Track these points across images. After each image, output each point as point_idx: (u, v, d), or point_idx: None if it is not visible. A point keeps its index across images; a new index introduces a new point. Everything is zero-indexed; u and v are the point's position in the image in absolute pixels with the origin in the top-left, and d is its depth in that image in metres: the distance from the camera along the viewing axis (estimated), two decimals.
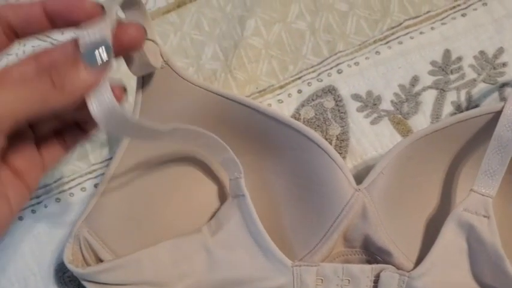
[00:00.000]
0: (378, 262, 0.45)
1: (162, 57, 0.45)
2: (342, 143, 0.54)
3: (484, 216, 0.42)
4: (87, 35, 0.33)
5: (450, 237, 0.43)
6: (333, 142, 0.54)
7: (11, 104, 0.32)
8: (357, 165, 0.53)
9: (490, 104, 0.54)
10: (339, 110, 0.55)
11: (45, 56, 0.34)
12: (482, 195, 0.42)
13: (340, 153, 0.52)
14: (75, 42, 0.33)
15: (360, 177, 0.45)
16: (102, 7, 0.35)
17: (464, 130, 0.45)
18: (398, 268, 0.44)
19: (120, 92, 0.38)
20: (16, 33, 0.37)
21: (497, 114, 0.43)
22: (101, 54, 0.33)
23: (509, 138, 0.42)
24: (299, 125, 0.45)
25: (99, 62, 0.33)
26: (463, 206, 0.43)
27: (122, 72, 0.51)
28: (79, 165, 0.54)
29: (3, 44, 0.37)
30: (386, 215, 0.45)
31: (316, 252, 0.45)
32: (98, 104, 0.33)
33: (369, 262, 0.46)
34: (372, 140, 0.54)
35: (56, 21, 0.36)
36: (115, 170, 0.47)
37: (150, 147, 0.47)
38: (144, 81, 0.46)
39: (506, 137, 0.42)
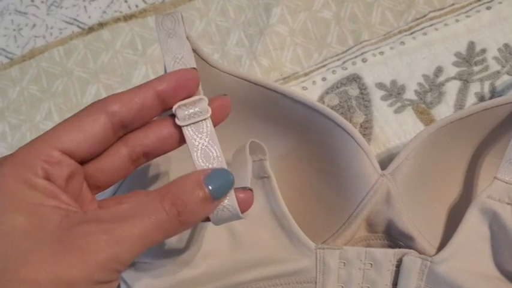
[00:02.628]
0: (400, 247, 0.46)
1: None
2: (365, 131, 0.55)
3: (508, 204, 0.43)
4: (215, 173, 0.35)
5: (473, 223, 0.44)
6: (357, 130, 0.55)
7: (136, 238, 0.31)
8: (380, 153, 0.54)
9: None
10: (363, 98, 0.56)
11: (174, 194, 0.33)
12: (506, 182, 0.43)
13: None
14: (203, 179, 0.34)
15: (382, 164, 0.46)
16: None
17: (488, 118, 0.46)
18: (420, 253, 0.45)
19: (248, 197, 0.37)
20: (123, 125, 0.36)
21: None
22: (227, 187, 0.35)
23: None
24: (326, 109, 0.46)
25: (224, 194, 0.35)
26: (487, 193, 0.44)
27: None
28: None
29: (110, 142, 0.36)
30: (410, 200, 0.46)
31: (338, 236, 0.46)
32: (218, 218, 0.36)
33: (391, 247, 0.47)
34: (395, 128, 0.55)
35: (167, 100, 0.36)
36: None
37: None
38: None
39: None
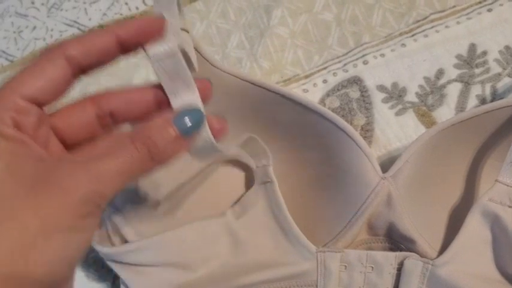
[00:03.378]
0: (401, 250, 0.46)
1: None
2: (366, 134, 0.55)
3: (509, 207, 0.43)
4: (185, 111, 0.36)
5: (475, 226, 0.44)
6: (358, 132, 0.54)
7: (114, 174, 0.33)
8: (381, 155, 0.54)
9: None
10: (364, 101, 0.56)
11: (144, 135, 0.34)
12: (507, 185, 0.43)
13: None
14: (171, 119, 0.35)
15: (383, 167, 0.46)
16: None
17: (490, 121, 0.46)
18: (421, 256, 0.45)
19: (221, 124, 0.38)
20: (81, 69, 0.36)
21: None
22: (196, 125, 0.36)
23: None
24: (327, 111, 0.46)
25: (194, 131, 0.36)
26: (488, 196, 0.44)
27: None
28: None
29: (68, 84, 0.36)
30: (411, 203, 0.46)
31: (339, 239, 0.46)
32: (194, 150, 0.37)
33: (392, 250, 0.47)
34: (396, 131, 0.55)
35: (127, 47, 0.36)
36: None
37: None
38: None
39: None
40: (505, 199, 0.43)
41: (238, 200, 0.49)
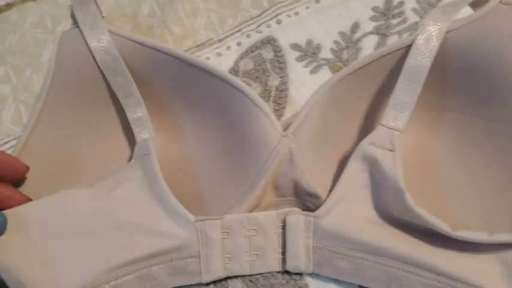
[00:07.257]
0: (308, 209, 0.47)
1: None
2: (281, 94, 0.56)
3: (389, 150, 0.44)
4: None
5: (354, 171, 0.45)
6: (272, 93, 0.55)
7: None
8: (296, 114, 0.55)
9: None
10: (278, 61, 0.57)
11: None
12: (390, 128, 0.44)
13: (279, 104, 0.54)
14: None
15: None
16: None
17: (380, 68, 0.47)
18: None
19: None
20: None
21: (409, 48, 0.45)
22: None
23: (419, 68, 0.43)
24: (222, 72, 0.47)
25: None
26: (370, 140, 0.44)
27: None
28: (12, 128, 0.56)
29: None
30: (315, 158, 0.47)
31: (243, 201, 0.47)
32: None
33: (301, 210, 0.47)
34: (311, 89, 0.54)
35: None
36: (28, 136, 0.49)
37: (67, 117, 0.50)
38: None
39: (416, 66, 0.44)
40: (386, 143, 0.44)
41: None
